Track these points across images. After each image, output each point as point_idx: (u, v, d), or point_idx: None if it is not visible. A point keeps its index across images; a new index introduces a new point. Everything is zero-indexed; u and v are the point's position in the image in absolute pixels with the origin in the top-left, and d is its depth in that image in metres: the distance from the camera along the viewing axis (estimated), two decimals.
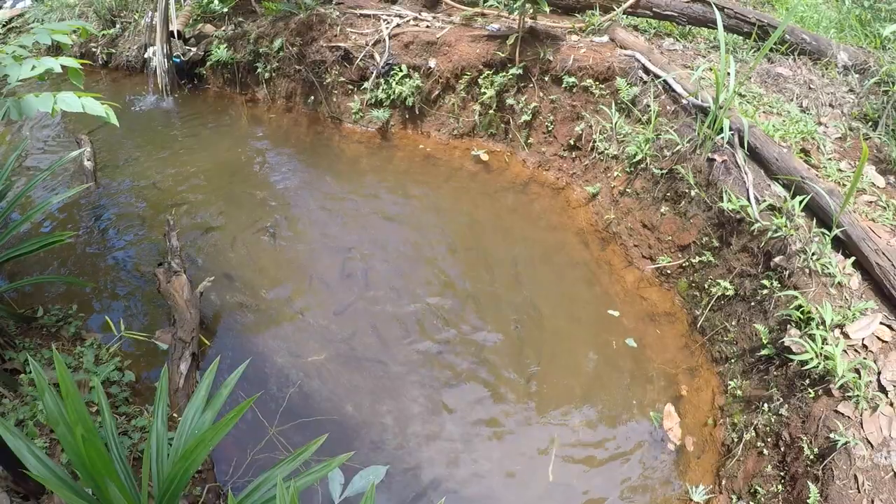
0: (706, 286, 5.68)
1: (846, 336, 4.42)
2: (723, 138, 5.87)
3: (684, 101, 6.51)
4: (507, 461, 4.88)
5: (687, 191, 6.06)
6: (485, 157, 8.05)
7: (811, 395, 4.33)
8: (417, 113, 8.48)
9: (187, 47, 9.43)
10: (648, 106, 6.73)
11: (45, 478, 3.11)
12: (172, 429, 4.44)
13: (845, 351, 4.33)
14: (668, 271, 6.13)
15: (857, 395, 4.12)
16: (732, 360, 5.21)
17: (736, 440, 4.74)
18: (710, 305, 5.58)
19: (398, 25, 8.55)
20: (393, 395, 5.31)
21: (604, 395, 5.32)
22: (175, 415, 4.86)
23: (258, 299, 6.15)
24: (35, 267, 6.39)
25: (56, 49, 8.36)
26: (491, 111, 8.07)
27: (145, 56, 9.52)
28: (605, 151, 7.08)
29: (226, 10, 9.40)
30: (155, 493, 3.26)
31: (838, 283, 4.75)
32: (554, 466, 4.81)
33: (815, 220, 5.19)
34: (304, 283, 6.33)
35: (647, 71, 7.02)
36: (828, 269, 4.80)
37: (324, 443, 3.41)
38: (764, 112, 6.49)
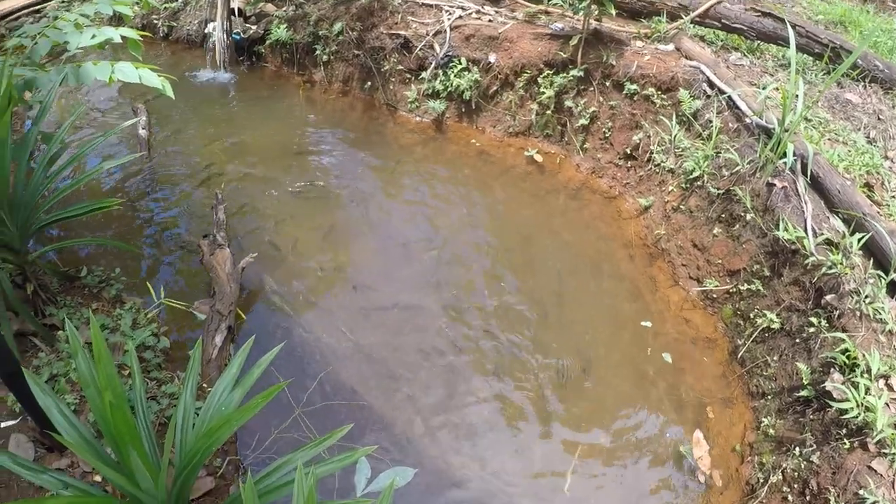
0: (751, 316, 5.50)
1: (890, 388, 4.26)
2: (785, 163, 5.70)
3: (748, 120, 6.32)
4: (528, 471, 4.82)
5: (742, 214, 5.88)
6: (538, 157, 7.92)
7: (846, 446, 4.17)
8: (474, 107, 8.38)
9: (247, 25, 9.47)
10: (710, 121, 6.54)
11: (69, 440, 3.15)
12: (201, 398, 4.52)
13: (888, 404, 4.17)
14: (714, 295, 5.97)
15: (894, 454, 3.96)
16: (769, 397, 5.05)
17: (762, 481, 4.58)
18: (753, 336, 5.41)
19: (460, 17, 8.45)
20: (424, 391, 5.28)
21: (635, 414, 5.22)
22: (205, 385, 4.92)
23: (299, 280, 6.17)
24: (82, 228, 6.47)
25: (118, 19, 8.41)
26: (548, 112, 7.94)
27: (205, 31, 9.60)
28: (662, 164, 6.91)
29: None
30: (176, 463, 3.27)
31: (889, 330, 4.57)
32: (572, 482, 4.73)
33: (872, 261, 5.01)
34: (346, 268, 6.33)
35: (711, 84, 6.84)
36: (880, 314, 4.63)
37: (349, 431, 3.40)
38: (829, 139, 6.29)
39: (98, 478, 3.98)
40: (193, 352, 3.71)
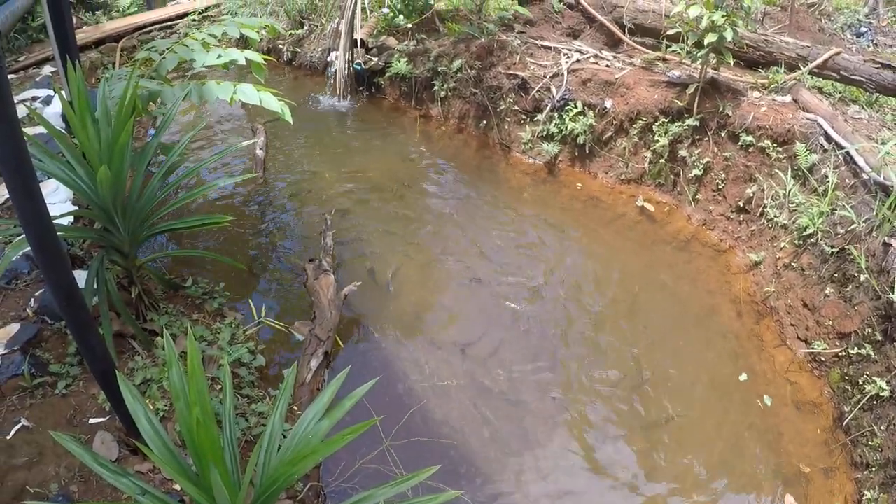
0: (860, 382, 5.21)
1: None
2: None
3: (865, 177, 6.06)
4: None
5: (856, 275, 5.62)
6: (649, 206, 7.79)
7: None
8: (587, 152, 8.33)
9: (369, 56, 9.70)
10: (826, 176, 6.31)
11: (152, 451, 3.19)
12: (290, 421, 4.55)
13: None
14: (822, 358, 5.70)
15: None
16: (874, 469, 4.75)
17: None
18: (860, 404, 5.12)
19: (578, 61, 8.45)
20: (515, 438, 5.19)
21: (728, 475, 5.00)
22: (295, 407, 4.96)
23: (397, 314, 6.19)
24: (191, 240, 6.69)
25: (244, 42, 8.71)
26: (662, 160, 7.82)
27: (328, 59, 9.89)
28: (775, 219, 6.70)
29: (410, 25, 9.62)
30: (256, 485, 3.27)
31: None
32: None
33: None
34: (444, 307, 6.32)
35: (828, 138, 6.61)
36: None
37: (436, 472, 3.37)
38: None
39: (177, 487, 4.03)
40: (288, 374, 3.75)
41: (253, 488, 3.28)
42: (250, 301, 5.98)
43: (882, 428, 4.87)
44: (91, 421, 4.24)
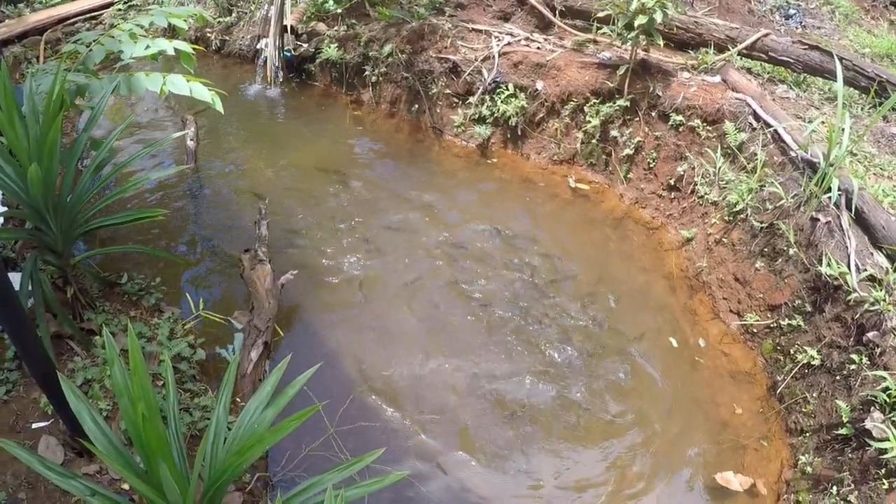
0: (792, 352, 5.40)
1: None
2: (829, 198, 5.59)
3: (793, 154, 6.23)
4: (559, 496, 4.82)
5: (785, 248, 5.79)
6: (583, 186, 7.88)
7: (884, 487, 4.07)
8: (519, 134, 8.37)
9: (299, 43, 9.55)
10: (755, 154, 6.45)
11: (99, 449, 3.17)
12: (234, 413, 4.52)
13: None
14: (755, 330, 5.87)
15: None
16: (807, 434, 4.94)
17: None
18: (792, 372, 5.30)
19: (509, 44, 8.45)
20: (457, 420, 5.27)
21: (668, 450, 5.15)
22: (238, 399, 4.93)
23: (336, 301, 6.19)
24: (125, 236, 6.54)
25: (172, 31, 8.53)
26: (593, 141, 7.90)
27: (257, 47, 9.71)
28: (706, 196, 6.84)
29: (340, 10, 9.49)
30: (205, 477, 3.27)
31: None
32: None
33: None
34: (383, 290, 6.34)
35: (757, 117, 6.76)
36: None
37: (381, 455, 3.44)
38: (874, 174, 6.19)
39: (126, 486, 3.99)
40: (229, 366, 3.72)
41: (202, 482, 3.27)
42: (187, 295, 5.91)
43: (814, 395, 5.06)
44: (34, 426, 4.18)
